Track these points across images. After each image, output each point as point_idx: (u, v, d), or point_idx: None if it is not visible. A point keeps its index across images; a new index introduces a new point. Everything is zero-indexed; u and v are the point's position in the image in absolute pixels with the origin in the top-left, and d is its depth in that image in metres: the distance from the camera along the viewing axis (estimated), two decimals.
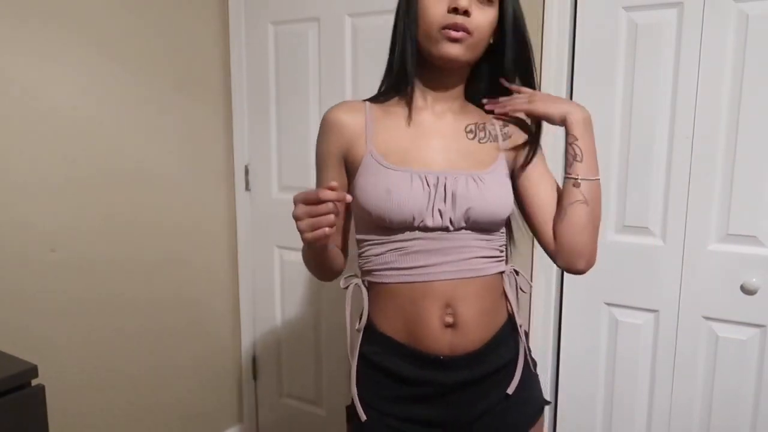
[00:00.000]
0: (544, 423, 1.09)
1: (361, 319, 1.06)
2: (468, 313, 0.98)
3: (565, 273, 1.71)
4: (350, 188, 1.04)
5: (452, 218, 0.97)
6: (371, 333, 1.03)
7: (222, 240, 2.23)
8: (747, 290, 1.48)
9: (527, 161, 1.06)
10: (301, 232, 0.89)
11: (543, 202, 1.06)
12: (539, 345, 1.72)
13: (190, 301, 2.13)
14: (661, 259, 1.57)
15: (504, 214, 1.02)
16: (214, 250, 2.21)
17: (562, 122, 1.03)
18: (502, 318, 1.05)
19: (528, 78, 1.07)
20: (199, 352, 2.18)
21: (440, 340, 0.97)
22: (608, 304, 1.67)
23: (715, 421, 1.57)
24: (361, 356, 1.03)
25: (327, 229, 0.86)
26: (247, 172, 2.22)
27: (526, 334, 1.10)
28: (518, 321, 1.05)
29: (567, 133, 1.03)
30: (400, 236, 0.98)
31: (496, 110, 1.07)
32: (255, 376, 2.36)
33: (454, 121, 1.06)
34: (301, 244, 0.99)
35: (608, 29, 1.56)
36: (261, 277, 2.26)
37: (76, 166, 1.72)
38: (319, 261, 1.07)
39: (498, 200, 1.00)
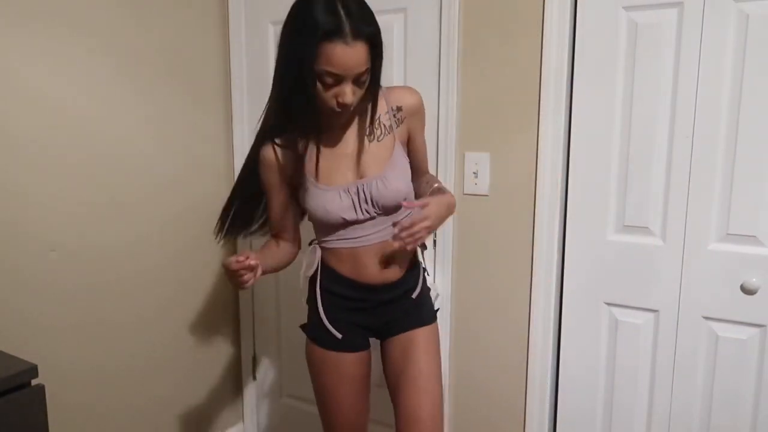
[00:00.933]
0: (438, 329, 1.52)
1: (312, 267, 1.45)
2: (394, 260, 1.41)
3: (565, 273, 1.71)
4: (299, 197, 1.42)
5: (375, 211, 1.36)
6: (329, 273, 1.44)
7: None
8: (747, 290, 1.48)
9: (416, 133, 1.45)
10: (233, 286, 1.34)
11: (415, 164, 1.46)
12: (539, 345, 1.73)
13: (190, 301, 2.13)
14: (661, 259, 1.57)
15: (405, 195, 1.38)
16: (215, 250, 2.21)
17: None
18: (410, 257, 1.48)
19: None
20: (199, 352, 2.19)
21: (375, 278, 1.41)
22: (608, 304, 1.67)
23: (715, 421, 1.57)
24: (323, 289, 1.44)
25: (248, 284, 1.31)
26: None
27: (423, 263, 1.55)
28: (419, 260, 1.50)
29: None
30: (342, 226, 1.38)
31: (401, 241, 1.28)
32: (255, 376, 2.36)
33: (358, 128, 1.37)
34: None
35: (608, 29, 1.56)
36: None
37: (76, 166, 1.72)
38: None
39: (399, 190, 1.36)
